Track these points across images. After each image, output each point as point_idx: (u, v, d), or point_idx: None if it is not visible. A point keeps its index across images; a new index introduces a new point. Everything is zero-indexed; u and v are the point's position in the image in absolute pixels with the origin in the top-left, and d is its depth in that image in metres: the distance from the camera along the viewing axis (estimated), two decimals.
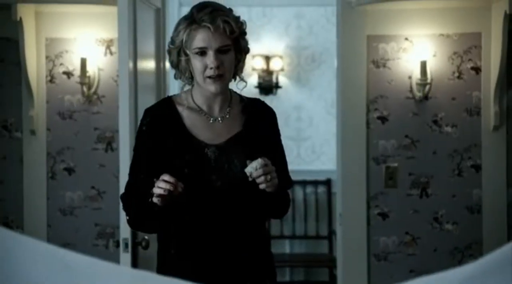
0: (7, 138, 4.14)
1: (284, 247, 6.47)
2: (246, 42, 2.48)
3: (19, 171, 4.14)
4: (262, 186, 2.33)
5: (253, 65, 6.78)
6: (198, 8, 2.40)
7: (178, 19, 2.56)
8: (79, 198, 4.15)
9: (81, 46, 4.12)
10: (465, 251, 4.07)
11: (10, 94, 4.12)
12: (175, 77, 2.51)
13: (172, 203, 2.32)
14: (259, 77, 6.81)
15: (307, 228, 6.45)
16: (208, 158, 2.42)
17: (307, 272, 6.48)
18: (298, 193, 6.50)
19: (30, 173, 4.14)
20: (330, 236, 6.29)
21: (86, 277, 1.20)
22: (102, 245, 4.13)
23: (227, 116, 2.49)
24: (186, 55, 2.40)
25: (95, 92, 4.14)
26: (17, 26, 3.92)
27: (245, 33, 2.46)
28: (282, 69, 6.85)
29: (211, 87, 2.39)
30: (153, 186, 2.32)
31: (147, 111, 2.52)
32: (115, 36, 3.96)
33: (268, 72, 6.82)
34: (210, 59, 2.36)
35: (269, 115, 2.57)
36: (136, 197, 2.44)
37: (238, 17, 2.45)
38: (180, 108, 2.49)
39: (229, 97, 2.52)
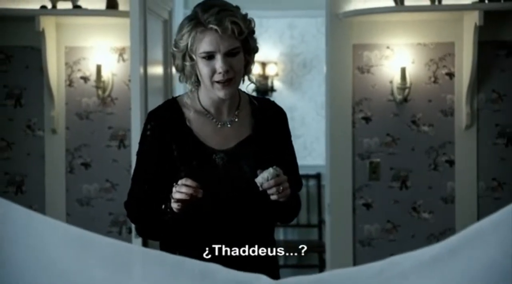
0: (30, 136, 4.14)
1: (279, 235, 6.49)
2: (255, 41, 2.11)
3: (41, 166, 4.15)
4: (273, 197, 2.01)
5: None
6: (203, 8, 2.02)
7: None
8: (94, 190, 4.17)
9: (97, 53, 4.13)
10: (440, 237, 4.08)
11: (34, 96, 4.13)
12: (180, 80, 2.15)
13: (188, 209, 2.01)
14: (256, 81, 6.83)
15: (299, 217, 6.44)
16: (216, 164, 2.08)
17: (299, 257, 6.51)
18: None
19: (51, 167, 4.15)
20: (320, 224, 6.30)
21: (103, 253, 1.24)
22: (116, 232, 4.15)
23: (236, 120, 2.14)
24: (192, 59, 2.04)
25: (109, 95, 4.14)
26: (40, 36, 3.93)
27: (253, 32, 2.09)
28: (276, 74, 6.88)
29: (220, 93, 2.04)
30: (160, 193, 2.06)
31: (151, 114, 2.16)
32: (127, 44, 3.99)
33: (264, 77, 6.85)
34: (218, 63, 2.00)
35: (279, 116, 2.22)
36: (143, 205, 2.12)
37: (246, 15, 2.08)
38: (186, 111, 2.13)
39: (238, 99, 2.16)
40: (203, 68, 2.03)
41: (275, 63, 6.85)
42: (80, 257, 1.22)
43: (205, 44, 2.00)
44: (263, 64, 6.83)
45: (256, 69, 6.78)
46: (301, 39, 6.85)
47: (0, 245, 1.19)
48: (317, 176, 6.47)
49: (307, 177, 6.51)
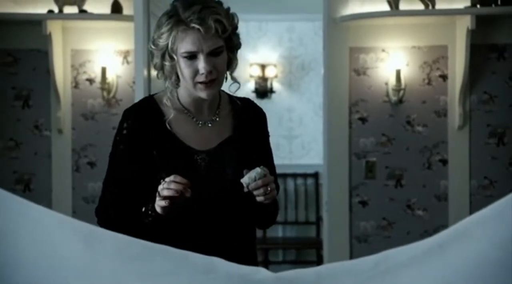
0: (38, 136, 4.16)
1: (278, 232, 6.50)
2: (238, 37, 1.95)
3: (48, 165, 4.17)
4: (260, 199, 1.86)
5: (250, 72, 6.82)
6: (184, 4, 1.85)
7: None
8: (99, 188, 4.12)
9: (102, 56, 4.15)
10: (434, 234, 4.03)
11: (41, 98, 4.15)
12: (158, 78, 1.97)
13: (175, 208, 1.83)
14: (256, 83, 6.85)
15: (297, 215, 6.47)
16: (198, 165, 1.92)
17: (297, 253, 6.50)
18: (289, 184, 6.52)
19: (58, 166, 4.17)
20: (318, 221, 6.29)
21: (109, 246, 1.24)
22: None
23: (217, 119, 1.98)
24: (172, 58, 1.88)
25: (113, 96, 4.16)
26: (47, 39, 3.95)
27: (236, 28, 1.94)
28: (276, 76, 6.88)
29: (203, 94, 1.89)
30: (139, 195, 1.90)
31: (128, 113, 1.98)
32: (131, 47, 4.01)
33: (264, 79, 6.85)
34: (201, 64, 1.84)
35: (259, 117, 2.07)
36: (120, 208, 1.93)
37: (228, 10, 1.91)
38: (164, 110, 1.95)
39: (218, 98, 2.01)
40: (185, 69, 1.87)
41: (274, 65, 6.86)
42: (87, 250, 1.23)
43: (187, 44, 1.84)
44: (263, 66, 6.84)
45: (256, 71, 6.80)
46: (300, 42, 6.86)
47: (8, 239, 1.20)
48: (315, 175, 6.48)
49: (305, 175, 6.53)
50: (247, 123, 2.02)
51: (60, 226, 1.25)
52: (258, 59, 6.84)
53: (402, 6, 3.97)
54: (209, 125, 1.97)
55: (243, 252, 1.94)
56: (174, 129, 1.94)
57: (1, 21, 4.00)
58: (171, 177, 1.79)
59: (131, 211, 1.90)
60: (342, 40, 4.11)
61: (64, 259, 1.21)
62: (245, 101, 2.07)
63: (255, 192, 1.85)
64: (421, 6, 3.97)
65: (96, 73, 4.15)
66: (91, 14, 4.00)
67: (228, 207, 1.94)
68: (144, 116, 1.94)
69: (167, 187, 1.79)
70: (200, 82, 1.87)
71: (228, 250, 1.83)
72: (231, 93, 2.03)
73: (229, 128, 1.99)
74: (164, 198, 1.79)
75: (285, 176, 6.45)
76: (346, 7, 4.08)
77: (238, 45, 1.95)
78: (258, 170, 1.84)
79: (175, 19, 1.84)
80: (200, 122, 1.97)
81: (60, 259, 1.21)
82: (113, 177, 1.96)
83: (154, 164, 1.91)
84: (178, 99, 1.96)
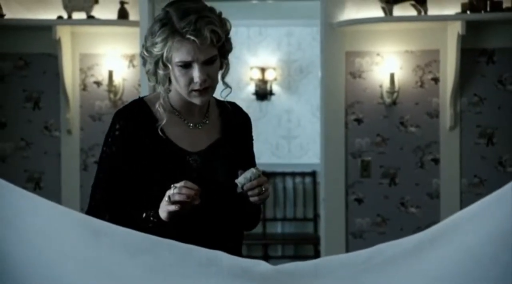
0: (47, 137, 4.18)
1: (277, 228, 6.50)
2: (230, 43, 1.90)
3: (58, 164, 4.18)
4: (253, 199, 1.82)
5: (250, 75, 6.83)
6: (178, 14, 1.78)
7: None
8: None
9: (109, 60, 4.16)
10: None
11: (50, 100, 4.17)
12: (150, 81, 1.89)
13: (179, 215, 1.76)
14: (256, 85, 6.85)
15: (296, 212, 6.48)
16: (190, 166, 1.87)
17: (296, 248, 6.50)
18: (288, 183, 6.53)
19: (67, 165, 4.18)
20: (315, 218, 6.30)
21: (117, 240, 1.27)
22: None
23: (207, 122, 1.94)
24: (166, 66, 1.82)
25: (120, 98, 4.17)
26: (56, 44, 3.96)
27: (228, 33, 1.88)
28: (275, 79, 6.89)
29: (197, 100, 1.85)
30: (133, 198, 1.84)
31: (119, 114, 1.89)
32: (137, 52, 4.02)
33: (264, 82, 6.86)
34: (195, 73, 1.80)
35: (246, 121, 2.04)
36: (112, 212, 1.83)
37: (220, 16, 1.85)
38: (155, 111, 1.88)
39: (207, 102, 1.96)
40: (179, 77, 1.82)
41: (274, 69, 6.87)
42: (94, 244, 1.25)
43: (182, 54, 1.79)
44: (263, 70, 6.85)
45: (256, 74, 6.81)
46: (298, 46, 6.86)
47: (17, 232, 1.21)
48: (313, 174, 6.48)
49: (304, 174, 6.53)
50: (235, 126, 1.99)
51: (69, 221, 1.26)
52: (258, 62, 6.85)
53: (396, 12, 3.98)
54: (200, 127, 1.93)
55: (234, 252, 1.76)
56: (166, 131, 1.88)
57: (13, 26, 4.02)
58: (182, 183, 1.73)
59: (125, 214, 1.83)
60: (339, 44, 4.12)
61: (71, 252, 1.23)
62: (232, 105, 2.03)
63: (249, 193, 1.81)
64: (414, 12, 3.98)
65: (103, 76, 4.17)
66: (99, 19, 4.01)
67: (220, 208, 1.89)
68: (136, 117, 1.87)
69: (178, 192, 1.72)
70: (195, 90, 1.83)
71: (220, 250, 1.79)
72: (221, 98, 1.98)
73: (218, 131, 1.96)
74: (174, 202, 1.73)
75: (284, 175, 6.46)
76: (342, 13, 4.09)
77: (230, 50, 1.90)
78: (253, 170, 1.81)
79: (170, 28, 1.78)
80: (191, 124, 1.92)
81: (67, 252, 1.23)
82: (105, 178, 1.87)
83: (147, 165, 1.85)
84: (169, 101, 1.90)
